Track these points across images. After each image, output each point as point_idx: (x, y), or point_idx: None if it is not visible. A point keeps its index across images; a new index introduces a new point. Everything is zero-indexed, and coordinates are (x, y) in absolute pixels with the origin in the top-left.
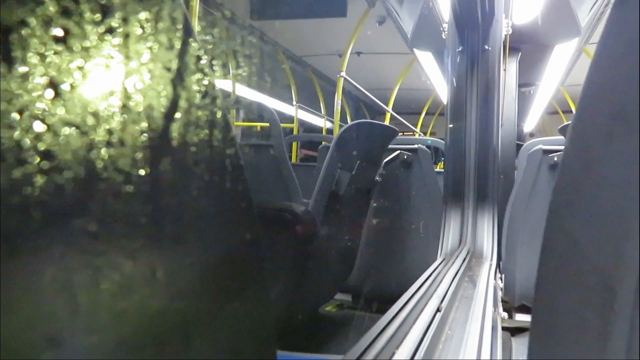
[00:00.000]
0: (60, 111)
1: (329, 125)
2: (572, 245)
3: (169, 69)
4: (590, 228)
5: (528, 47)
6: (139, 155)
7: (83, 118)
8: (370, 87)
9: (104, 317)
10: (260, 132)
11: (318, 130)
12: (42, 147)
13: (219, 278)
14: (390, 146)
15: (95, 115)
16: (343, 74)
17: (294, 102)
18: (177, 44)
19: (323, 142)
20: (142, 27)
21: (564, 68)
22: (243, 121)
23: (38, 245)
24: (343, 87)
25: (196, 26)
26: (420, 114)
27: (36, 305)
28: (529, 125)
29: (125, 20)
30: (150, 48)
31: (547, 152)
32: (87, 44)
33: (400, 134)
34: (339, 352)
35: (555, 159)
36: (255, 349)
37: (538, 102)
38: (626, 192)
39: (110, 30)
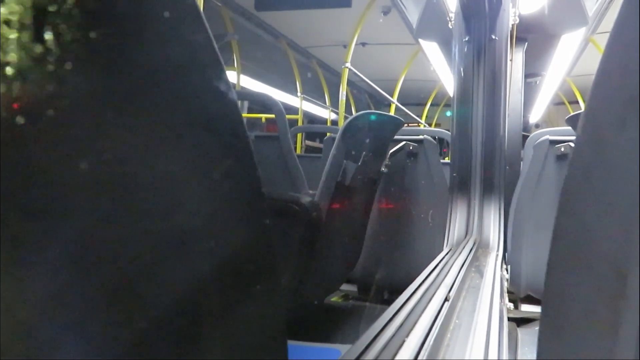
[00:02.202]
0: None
1: (333, 116)
2: (584, 232)
3: (182, 61)
4: (602, 215)
5: (535, 37)
6: (151, 148)
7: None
8: (375, 78)
9: (119, 310)
10: (265, 123)
11: (321, 121)
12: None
13: (231, 270)
14: (395, 137)
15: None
16: (348, 64)
17: (299, 94)
18: (191, 36)
19: (328, 134)
20: (154, 18)
21: (570, 58)
22: (248, 112)
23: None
24: (348, 78)
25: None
26: (425, 105)
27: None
28: (534, 116)
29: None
30: (162, 39)
31: (554, 142)
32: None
33: (405, 125)
34: (346, 343)
35: (562, 149)
36: (267, 340)
37: (544, 92)
38: (639, 180)
39: (125, 22)
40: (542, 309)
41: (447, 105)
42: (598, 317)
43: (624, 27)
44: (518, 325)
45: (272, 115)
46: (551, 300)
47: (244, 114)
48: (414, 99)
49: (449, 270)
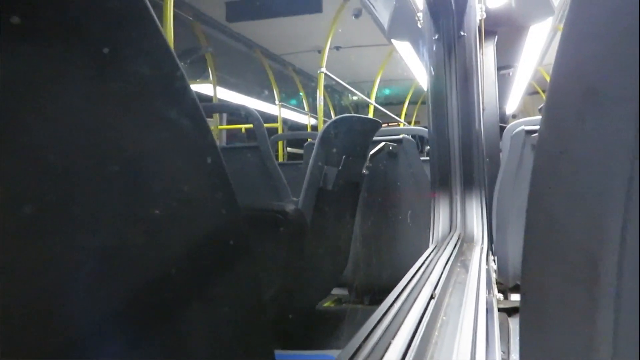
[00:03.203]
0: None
1: (313, 122)
2: (554, 224)
3: (142, 78)
4: (570, 206)
5: (504, 29)
6: (113, 163)
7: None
8: (352, 80)
9: (100, 324)
10: (246, 134)
11: (302, 128)
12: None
13: (210, 283)
14: (375, 138)
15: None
16: (323, 69)
17: (277, 101)
18: (150, 52)
19: (309, 139)
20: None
21: (540, 48)
22: (227, 124)
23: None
24: (325, 83)
25: (172, 31)
26: (403, 103)
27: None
28: (511, 107)
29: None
30: (122, 59)
31: (529, 132)
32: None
33: (384, 125)
34: (341, 347)
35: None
36: (252, 351)
37: (518, 83)
38: (602, 169)
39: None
40: (520, 301)
41: (424, 103)
42: (575, 305)
43: (576, 20)
44: (509, 315)
45: (252, 126)
46: (529, 291)
47: (224, 126)
48: (392, 99)
49: (434, 267)
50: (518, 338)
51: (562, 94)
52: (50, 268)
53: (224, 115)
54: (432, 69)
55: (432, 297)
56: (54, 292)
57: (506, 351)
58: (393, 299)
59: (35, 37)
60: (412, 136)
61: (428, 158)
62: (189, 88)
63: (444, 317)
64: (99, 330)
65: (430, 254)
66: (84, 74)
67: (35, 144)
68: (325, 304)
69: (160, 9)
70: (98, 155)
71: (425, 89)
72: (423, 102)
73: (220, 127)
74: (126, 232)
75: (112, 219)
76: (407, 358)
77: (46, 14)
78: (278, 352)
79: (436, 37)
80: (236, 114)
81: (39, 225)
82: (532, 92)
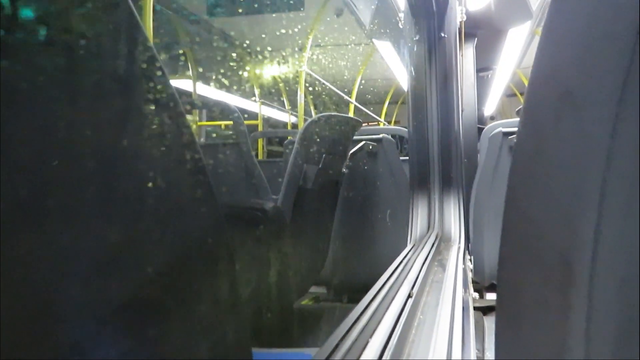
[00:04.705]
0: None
1: (294, 119)
2: (530, 225)
3: (120, 73)
4: (546, 207)
5: (483, 32)
6: (92, 162)
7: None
8: (333, 79)
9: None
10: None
11: (282, 126)
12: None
13: (188, 281)
14: (355, 137)
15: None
16: (304, 67)
17: (257, 99)
18: (129, 48)
19: (289, 137)
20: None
21: (518, 51)
22: (207, 120)
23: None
24: (306, 80)
25: (151, 26)
26: (383, 103)
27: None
28: (489, 109)
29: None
30: (101, 51)
31: (506, 134)
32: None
33: (365, 124)
34: (318, 346)
35: (515, 140)
36: (230, 349)
37: (496, 85)
38: (577, 171)
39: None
40: (496, 302)
41: (405, 103)
42: (549, 306)
43: (553, 24)
44: (484, 314)
45: (231, 122)
46: (504, 291)
47: (203, 123)
48: (372, 98)
49: (411, 266)
50: (493, 336)
51: (540, 96)
52: (21, 267)
53: (204, 112)
54: (412, 69)
55: (409, 296)
56: (25, 291)
57: (481, 349)
58: (371, 297)
59: (5, 30)
60: (391, 136)
61: (407, 158)
62: (168, 83)
63: (421, 316)
64: (73, 330)
65: (408, 253)
66: (59, 67)
67: (8, 140)
68: (303, 302)
69: (139, 1)
70: (72, 151)
71: (405, 89)
72: (403, 102)
73: (199, 123)
74: (101, 230)
75: (86, 217)
76: (384, 357)
77: (17, 5)
78: (255, 351)
79: (417, 37)
80: (215, 110)
81: (11, 223)
82: (510, 95)
